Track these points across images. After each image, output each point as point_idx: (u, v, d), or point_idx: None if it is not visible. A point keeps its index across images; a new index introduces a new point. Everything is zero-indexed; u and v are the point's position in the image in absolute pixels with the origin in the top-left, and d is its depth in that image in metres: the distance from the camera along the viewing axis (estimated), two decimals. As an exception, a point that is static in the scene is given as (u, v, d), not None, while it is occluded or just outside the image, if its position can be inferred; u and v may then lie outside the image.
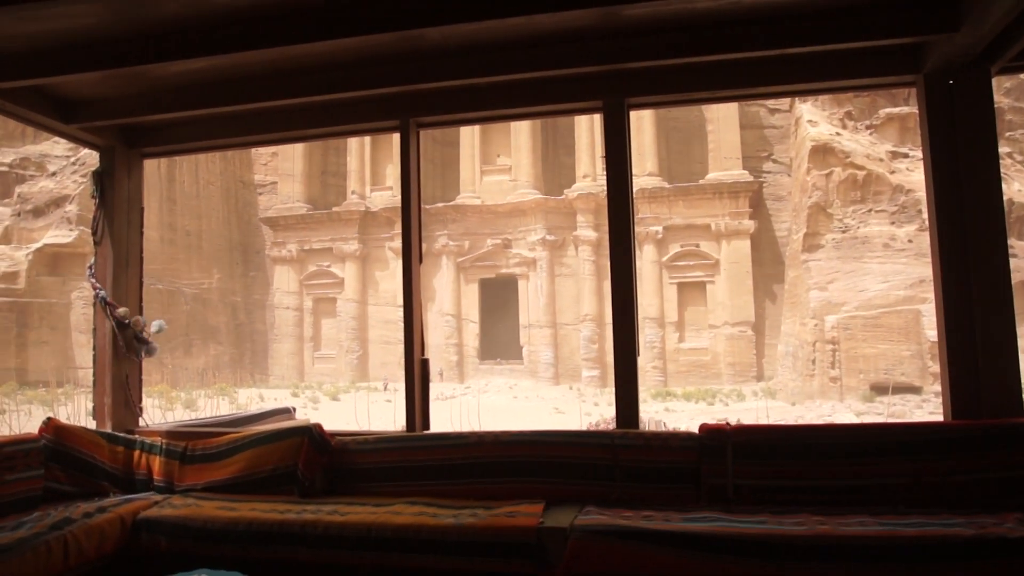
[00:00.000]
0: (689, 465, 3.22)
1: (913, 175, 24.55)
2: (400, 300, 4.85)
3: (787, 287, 27.67)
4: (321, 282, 36.44)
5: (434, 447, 3.53)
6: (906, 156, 25.57)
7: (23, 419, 19.25)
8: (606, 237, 3.67)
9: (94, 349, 4.24)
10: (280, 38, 3.05)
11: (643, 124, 31.49)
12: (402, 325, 3.91)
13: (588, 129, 32.68)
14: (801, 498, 3.04)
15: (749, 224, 30.87)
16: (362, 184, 36.13)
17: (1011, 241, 20.91)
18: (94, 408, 4.19)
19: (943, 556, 2.40)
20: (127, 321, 4.12)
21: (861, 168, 24.94)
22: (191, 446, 3.79)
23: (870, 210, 24.89)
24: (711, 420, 3.86)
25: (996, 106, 3.38)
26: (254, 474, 3.59)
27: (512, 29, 3.18)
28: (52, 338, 29.73)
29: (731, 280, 30.54)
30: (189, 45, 3.13)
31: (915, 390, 22.26)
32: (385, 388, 30.12)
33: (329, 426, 3.80)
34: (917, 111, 4.80)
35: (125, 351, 4.14)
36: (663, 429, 7.83)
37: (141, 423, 4.26)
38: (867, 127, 26.63)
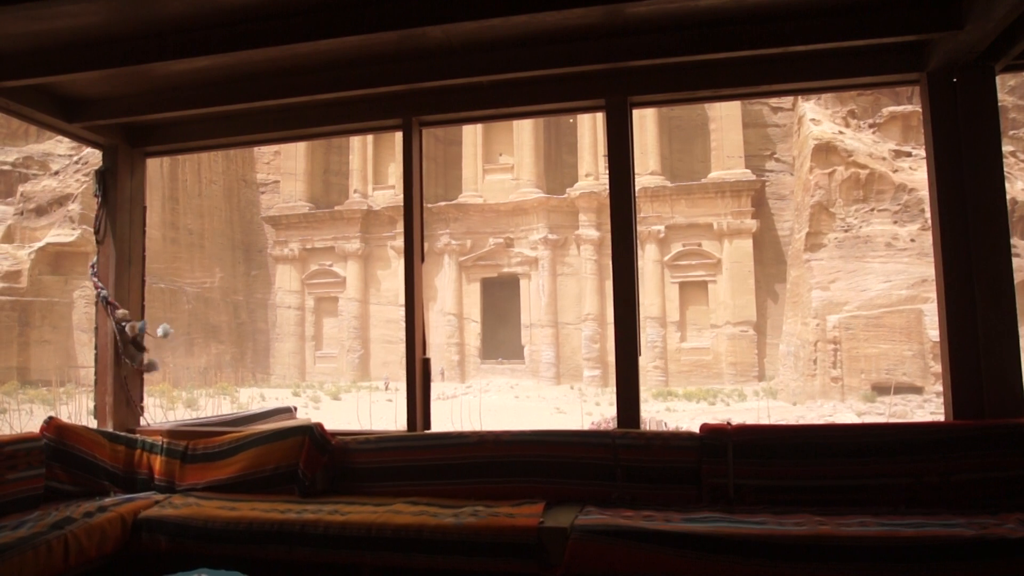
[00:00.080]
0: (690, 465, 3.22)
1: (916, 174, 24.51)
2: (402, 299, 4.85)
3: (789, 286, 27.63)
4: (323, 281, 36.47)
5: (435, 447, 3.53)
6: (909, 155, 25.53)
7: (24, 418, 19.28)
8: (608, 236, 3.67)
9: (96, 348, 4.24)
10: (283, 37, 3.05)
11: (646, 123, 31.47)
12: (404, 324, 3.91)
13: (590, 128, 32.66)
14: (802, 498, 3.04)
15: (751, 223, 30.83)
16: (364, 183, 36.15)
17: (1014, 240, 20.89)
18: (95, 407, 4.19)
19: (944, 556, 2.39)
20: (123, 324, 4.11)
21: (864, 167, 24.90)
22: (192, 445, 3.79)
23: (873, 209, 24.86)
24: (712, 420, 3.86)
25: (1000, 104, 3.37)
26: (255, 473, 3.59)
27: (515, 27, 3.18)
28: (54, 337, 29.78)
29: (733, 279, 30.51)
30: (192, 44, 3.13)
31: (917, 390, 22.23)
32: (386, 387, 30.14)
33: (330, 425, 3.80)
34: (920, 109, 4.78)
35: (123, 354, 4.14)
36: (664, 429, 7.82)
37: (142, 422, 4.26)
38: (870, 126, 26.59)
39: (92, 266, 4.23)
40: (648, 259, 31.14)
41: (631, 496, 3.21)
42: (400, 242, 30.52)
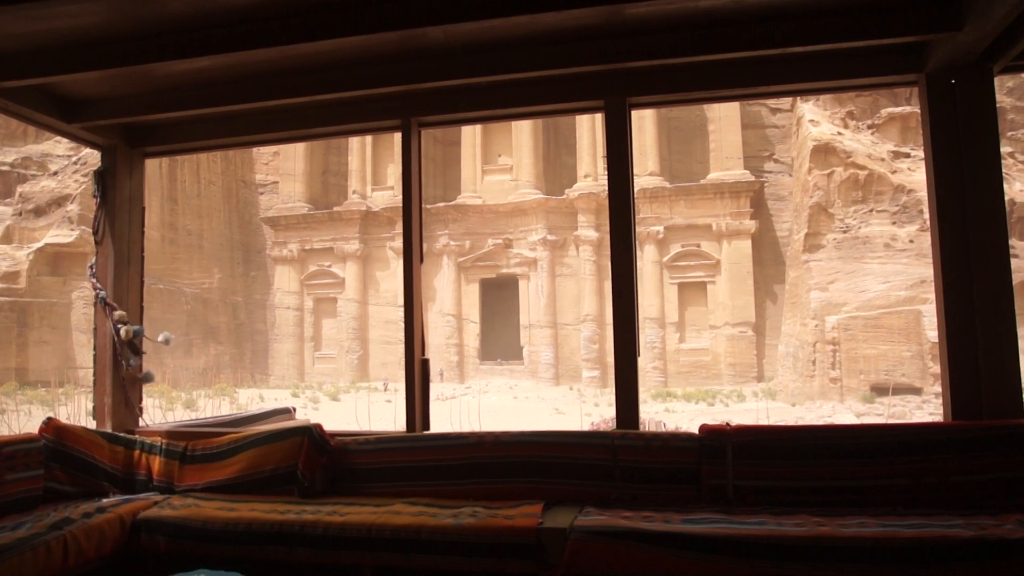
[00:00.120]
0: (689, 466, 3.22)
1: (914, 175, 24.54)
2: (401, 300, 4.85)
3: (788, 287, 27.65)
4: (322, 282, 36.46)
5: (434, 447, 3.53)
6: (908, 156, 25.56)
7: (23, 419, 19.25)
8: (607, 237, 3.68)
9: (94, 349, 4.23)
10: (282, 37, 3.05)
11: (644, 124, 31.50)
12: (403, 325, 3.91)
13: (589, 129, 32.69)
14: (801, 499, 3.04)
15: (750, 224, 30.86)
16: (363, 184, 36.15)
17: (1012, 241, 20.91)
18: (94, 408, 4.19)
19: (943, 557, 2.40)
20: (119, 326, 4.10)
21: (862, 168, 24.92)
22: (191, 446, 3.79)
23: (871, 210, 24.88)
24: (711, 421, 3.86)
25: (998, 105, 3.37)
26: (254, 474, 3.59)
27: (514, 28, 3.18)
28: (52, 338, 29.74)
29: (732, 280, 30.53)
30: (192, 44, 3.13)
31: (916, 391, 22.24)
32: (385, 388, 30.12)
33: (329, 426, 3.80)
34: (919, 111, 4.79)
35: (119, 355, 4.13)
36: (663, 430, 7.82)
37: (141, 423, 4.26)
38: (869, 127, 26.62)
39: (91, 267, 4.22)
40: (647, 260, 31.16)
41: (630, 497, 3.21)
42: (399, 243, 30.54)
